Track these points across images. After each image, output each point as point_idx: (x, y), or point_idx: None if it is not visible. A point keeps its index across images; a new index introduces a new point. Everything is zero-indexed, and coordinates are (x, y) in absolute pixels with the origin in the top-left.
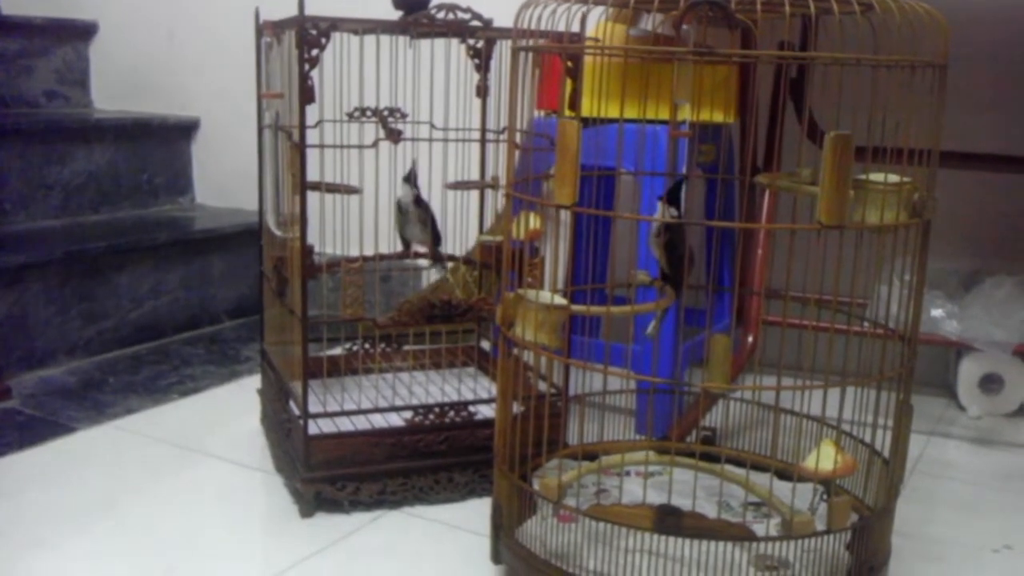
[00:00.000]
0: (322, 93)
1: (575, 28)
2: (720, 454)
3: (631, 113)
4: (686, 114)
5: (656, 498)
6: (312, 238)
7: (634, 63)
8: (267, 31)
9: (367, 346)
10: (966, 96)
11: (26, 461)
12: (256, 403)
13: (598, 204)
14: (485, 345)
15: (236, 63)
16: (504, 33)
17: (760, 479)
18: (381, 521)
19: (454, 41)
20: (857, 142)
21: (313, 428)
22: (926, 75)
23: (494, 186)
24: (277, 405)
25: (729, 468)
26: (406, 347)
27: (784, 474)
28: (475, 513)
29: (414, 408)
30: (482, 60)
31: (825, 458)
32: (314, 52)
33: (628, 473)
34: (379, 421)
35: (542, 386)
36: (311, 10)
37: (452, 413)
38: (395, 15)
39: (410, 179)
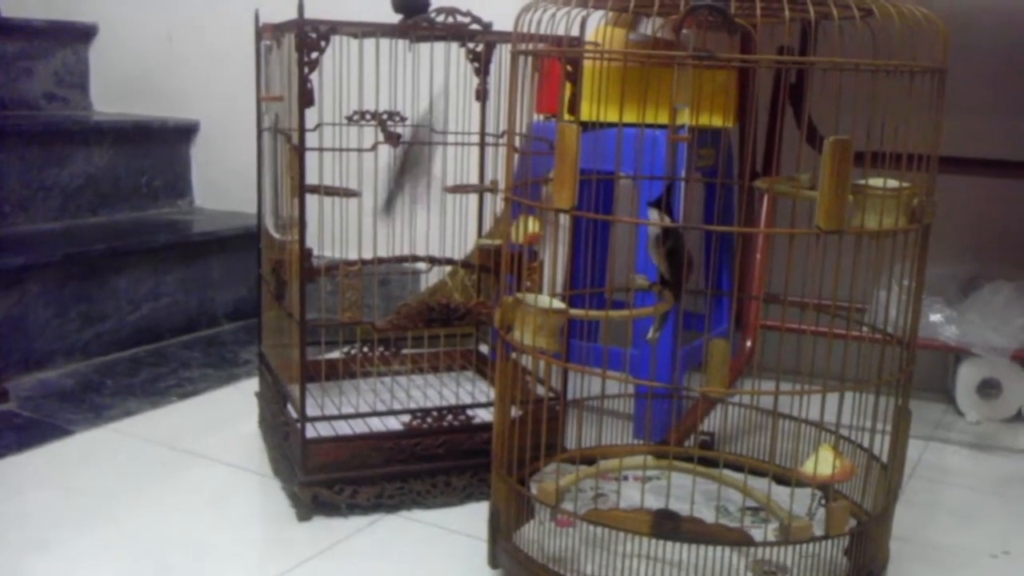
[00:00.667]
0: (321, 96)
1: (575, 32)
2: (718, 458)
3: (630, 117)
4: (685, 118)
5: (654, 503)
6: (311, 241)
7: (633, 67)
8: (267, 34)
9: (365, 349)
10: (965, 101)
11: (24, 463)
12: (254, 406)
13: (597, 208)
14: (483, 349)
15: (235, 66)
16: (504, 37)
17: (758, 484)
18: (379, 525)
19: (454, 45)
20: (856, 147)
21: (311, 431)
22: (925, 80)
23: (493, 190)
24: (275, 408)
25: (727, 473)
26: (404, 351)
27: (782, 479)
28: (473, 517)
29: (412, 412)
30: (481, 64)
31: (823, 463)
32: (314, 55)
33: (626, 477)
34: (377, 425)
35: (540, 390)
36: (311, 13)
37: (450, 417)
38: (395, 18)
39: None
